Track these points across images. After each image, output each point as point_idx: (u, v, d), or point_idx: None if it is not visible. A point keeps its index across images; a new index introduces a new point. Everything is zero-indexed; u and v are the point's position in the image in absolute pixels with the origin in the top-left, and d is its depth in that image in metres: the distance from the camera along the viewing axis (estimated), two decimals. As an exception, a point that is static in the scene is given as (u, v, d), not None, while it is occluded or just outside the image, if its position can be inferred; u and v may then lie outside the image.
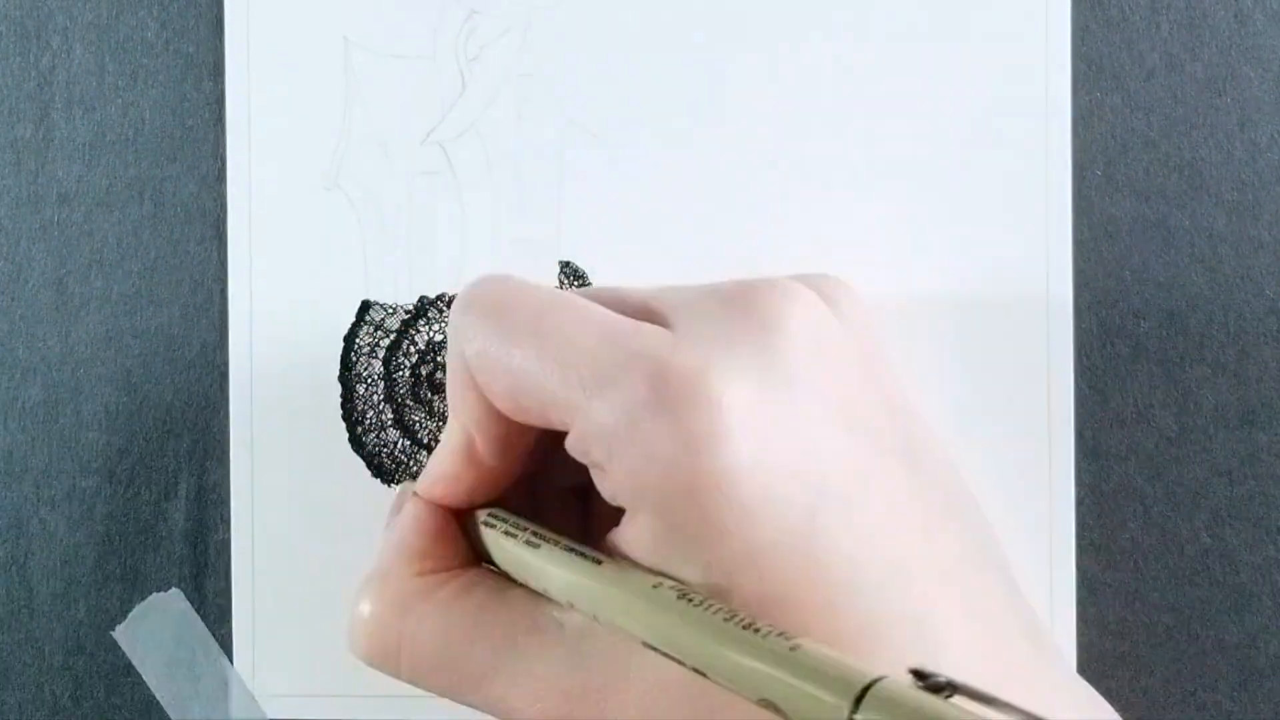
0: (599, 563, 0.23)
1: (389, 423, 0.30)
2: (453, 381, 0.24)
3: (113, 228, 0.31)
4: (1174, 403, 0.30)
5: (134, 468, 0.31)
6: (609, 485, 0.23)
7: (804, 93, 0.30)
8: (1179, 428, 0.30)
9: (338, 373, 0.30)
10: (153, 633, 0.31)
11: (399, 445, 0.30)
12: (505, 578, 0.25)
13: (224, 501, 0.31)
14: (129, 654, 0.31)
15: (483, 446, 0.25)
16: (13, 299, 0.31)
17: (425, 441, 0.30)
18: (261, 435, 0.30)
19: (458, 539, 0.26)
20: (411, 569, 0.25)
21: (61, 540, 0.31)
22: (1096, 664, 0.30)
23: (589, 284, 0.30)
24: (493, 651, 0.24)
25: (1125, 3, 0.30)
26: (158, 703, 0.31)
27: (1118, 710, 0.24)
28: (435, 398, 0.31)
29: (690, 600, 0.21)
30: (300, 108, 0.30)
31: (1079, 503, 0.30)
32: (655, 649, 0.21)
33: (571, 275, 0.30)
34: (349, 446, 0.30)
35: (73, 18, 0.31)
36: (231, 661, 0.31)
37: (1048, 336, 0.30)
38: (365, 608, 0.25)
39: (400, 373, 0.31)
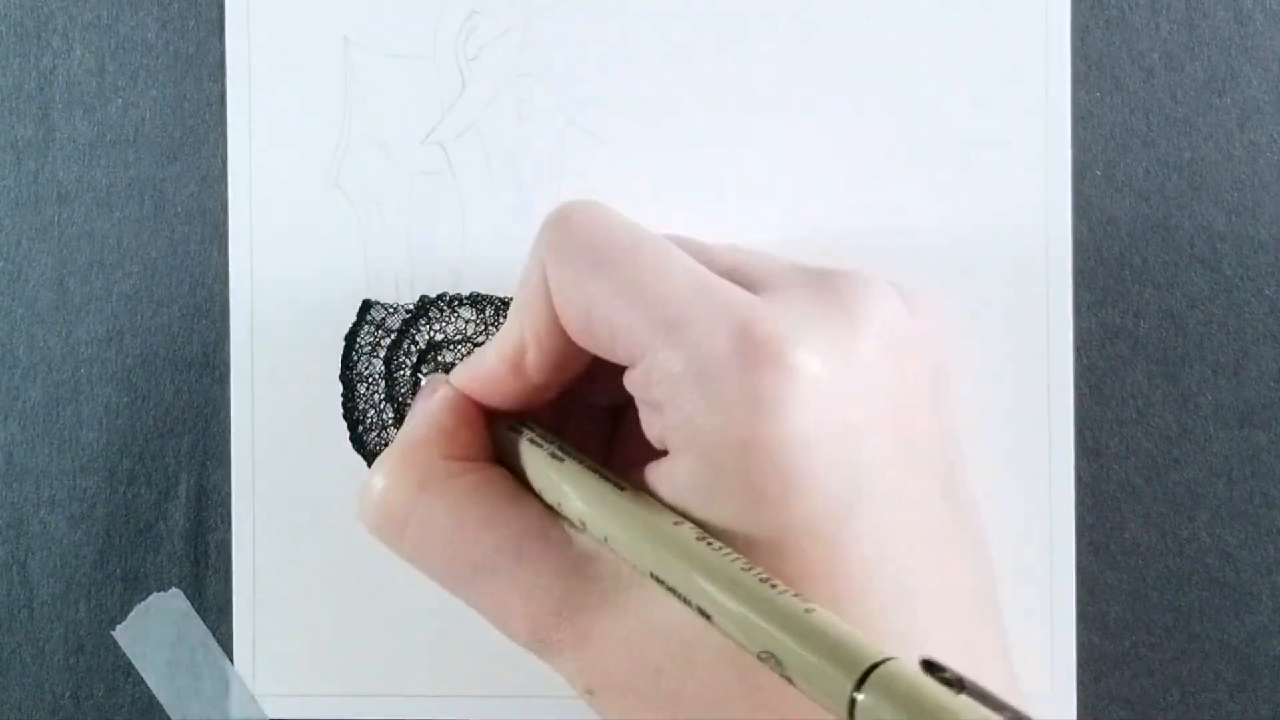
0: (622, 489, 0.23)
1: (390, 422, 0.30)
2: (527, 290, 0.25)
3: (113, 227, 0.31)
4: (1174, 403, 0.30)
5: (134, 467, 0.31)
6: (659, 426, 0.23)
7: (804, 92, 0.30)
8: (1179, 428, 0.30)
9: (339, 372, 0.30)
10: (153, 632, 0.31)
11: (399, 445, 0.30)
12: (522, 485, 0.25)
13: (224, 501, 0.31)
14: (129, 654, 0.31)
15: (534, 359, 0.25)
16: (13, 299, 0.31)
17: (425, 441, 0.30)
18: (262, 435, 0.30)
19: (484, 435, 0.26)
20: (437, 449, 0.25)
21: (62, 540, 0.31)
22: (1096, 664, 0.30)
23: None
24: (498, 550, 0.24)
25: (1125, 2, 0.30)
26: (158, 702, 0.31)
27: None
28: (435, 397, 0.31)
29: (709, 544, 0.21)
30: (300, 107, 0.30)
31: (1079, 503, 0.30)
32: (664, 584, 0.22)
33: (572, 275, 0.30)
34: (350, 446, 0.30)
35: (73, 18, 0.31)
36: (231, 661, 0.31)
37: (1048, 336, 0.30)
38: (383, 478, 0.25)
39: (401, 372, 0.31)
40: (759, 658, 0.20)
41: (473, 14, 0.30)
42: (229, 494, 0.30)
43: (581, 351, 0.24)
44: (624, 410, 0.28)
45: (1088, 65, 0.30)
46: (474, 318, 0.30)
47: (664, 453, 0.24)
